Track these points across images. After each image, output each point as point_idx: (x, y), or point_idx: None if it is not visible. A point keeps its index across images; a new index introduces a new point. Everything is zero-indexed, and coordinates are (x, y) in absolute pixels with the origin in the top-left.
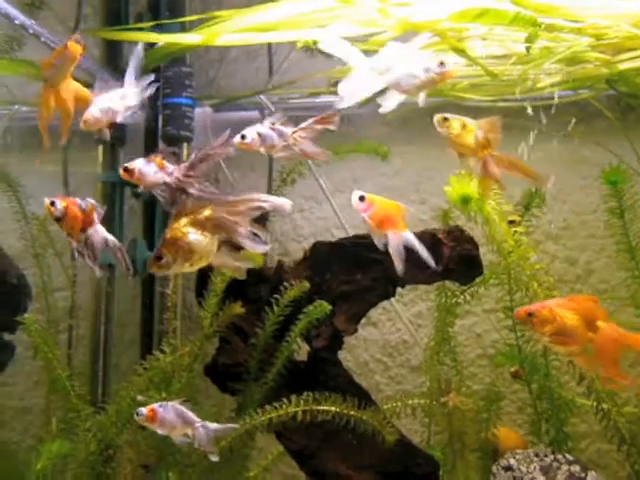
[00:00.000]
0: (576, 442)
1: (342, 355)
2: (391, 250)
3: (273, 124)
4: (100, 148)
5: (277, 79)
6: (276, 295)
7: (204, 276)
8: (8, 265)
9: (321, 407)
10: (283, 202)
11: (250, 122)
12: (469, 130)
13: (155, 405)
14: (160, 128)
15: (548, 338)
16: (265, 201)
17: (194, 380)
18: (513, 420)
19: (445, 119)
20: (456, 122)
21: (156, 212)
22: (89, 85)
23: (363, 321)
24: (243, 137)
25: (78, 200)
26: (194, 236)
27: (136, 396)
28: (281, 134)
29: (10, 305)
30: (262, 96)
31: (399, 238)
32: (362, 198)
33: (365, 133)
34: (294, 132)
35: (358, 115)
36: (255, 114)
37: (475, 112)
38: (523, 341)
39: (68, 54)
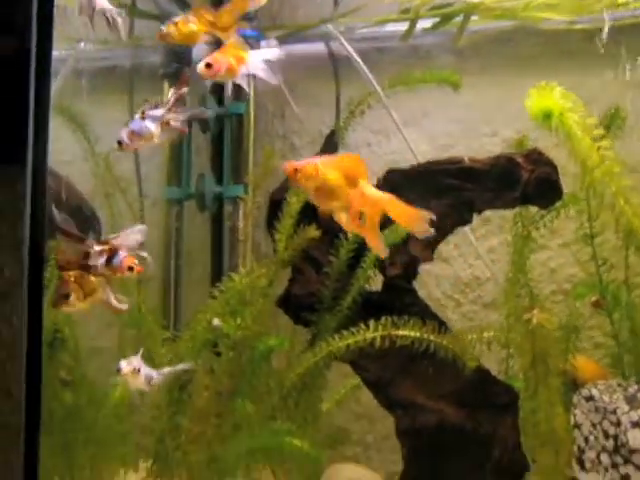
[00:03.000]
0: None
1: None
2: None
3: (144, 113)
4: (165, 86)
5: (343, 8)
6: None
7: (275, 205)
8: (80, 199)
9: (400, 332)
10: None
11: (315, 54)
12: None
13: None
14: None
15: (313, 194)
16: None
17: (269, 307)
18: (589, 356)
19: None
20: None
21: (224, 146)
22: None
23: (434, 256)
24: (120, 143)
25: None
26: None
27: (212, 320)
28: (155, 119)
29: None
30: (329, 25)
31: None
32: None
33: (434, 63)
34: (166, 115)
35: (426, 45)
36: (320, 46)
37: (550, 36)
38: (604, 270)
39: None
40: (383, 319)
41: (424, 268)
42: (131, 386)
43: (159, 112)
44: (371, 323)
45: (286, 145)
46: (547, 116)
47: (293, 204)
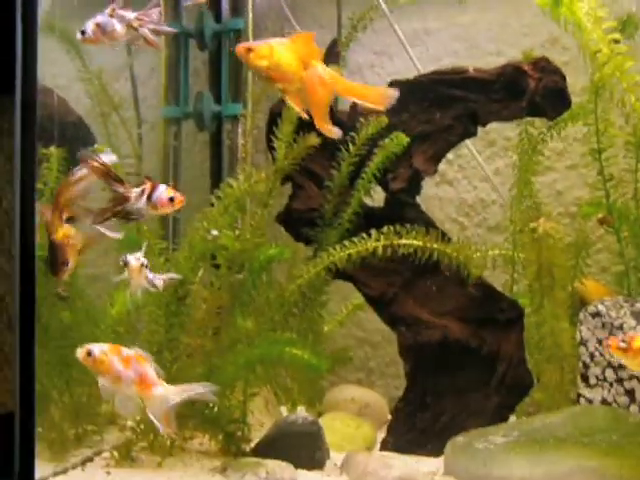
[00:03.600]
0: None
1: None
2: None
3: (113, 10)
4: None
5: None
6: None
7: (275, 116)
8: (75, 116)
9: (403, 241)
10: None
11: None
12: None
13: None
14: None
15: (265, 74)
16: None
17: (269, 218)
18: (596, 280)
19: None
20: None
21: (222, 63)
22: None
23: (438, 179)
24: (83, 33)
25: None
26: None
27: (210, 230)
28: (122, 19)
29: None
30: None
31: None
32: None
33: None
34: (134, 19)
35: None
36: None
37: None
38: (610, 186)
39: None
40: (385, 229)
41: (427, 191)
42: (135, 282)
43: (128, 14)
44: (373, 233)
45: None
46: (556, 3)
47: (292, 110)
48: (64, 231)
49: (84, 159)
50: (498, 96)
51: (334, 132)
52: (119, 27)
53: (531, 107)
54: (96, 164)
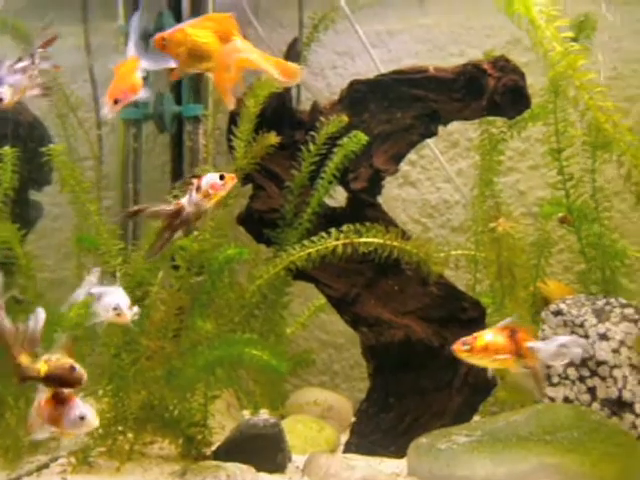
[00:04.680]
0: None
1: None
2: None
3: (11, 66)
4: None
5: None
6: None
7: (235, 115)
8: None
9: (362, 239)
10: None
11: None
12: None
13: None
14: None
15: (186, 59)
16: None
17: (228, 218)
18: (559, 280)
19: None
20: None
21: None
22: None
23: (401, 180)
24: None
25: None
26: None
27: None
28: (24, 70)
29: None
30: None
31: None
32: None
33: None
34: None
35: None
36: None
37: None
38: (571, 185)
39: None
40: (345, 227)
41: (391, 193)
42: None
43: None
44: (332, 232)
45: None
46: None
47: (251, 107)
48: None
49: None
50: (459, 95)
51: (232, 103)
52: (25, 80)
53: (491, 106)
54: None
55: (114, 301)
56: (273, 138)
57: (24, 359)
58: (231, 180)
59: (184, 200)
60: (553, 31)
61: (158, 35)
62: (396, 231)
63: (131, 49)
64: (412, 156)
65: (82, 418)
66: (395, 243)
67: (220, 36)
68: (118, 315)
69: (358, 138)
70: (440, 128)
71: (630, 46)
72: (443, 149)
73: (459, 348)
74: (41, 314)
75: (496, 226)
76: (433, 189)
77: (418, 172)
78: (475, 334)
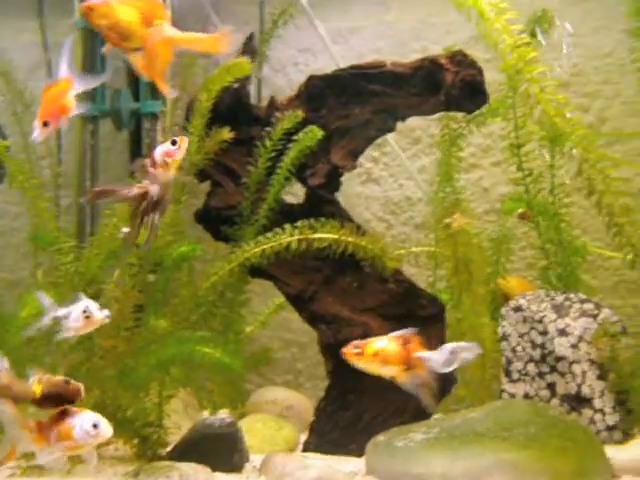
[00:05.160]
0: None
1: None
2: None
3: None
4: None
5: None
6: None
7: (190, 110)
8: None
9: (317, 235)
10: None
11: None
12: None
13: None
14: None
15: (104, 32)
16: None
17: (181, 214)
18: (522, 276)
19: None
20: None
21: None
22: None
23: (364, 177)
24: None
25: None
26: None
27: (120, 227)
28: None
29: None
30: None
31: None
32: None
33: None
34: None
35: None
36: None
37: None
38: (530, 180)
39: None
40: (299, 223)
41: (354, 190)
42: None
43: None
44: (287, 227)
45: (211, 63)
46: None
47: (204, 102)
48: None
49: None
50: (416, 90)
51: (171, 92)
52: None
53: (449, 101)
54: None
55: (82, 305)
56: (226, 133)
57: (15, 382)
58: (183, 142)
59: (146, 181)
60: (503, 24)
61: (85, 4)
62: (351, 227)
63: (63, 70)
64: (375, 153)
65: (95, 426)
66: (350, 239)
67: (145, 16)
68: (88, 318)
69: (313, 133)
70: (402, 124)
71: (591, 43)
72: (405, 146)
73: (349, 351)
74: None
75: (451, 222)
76: (396, 186)
77: (381, 169)
78: (368, 339)
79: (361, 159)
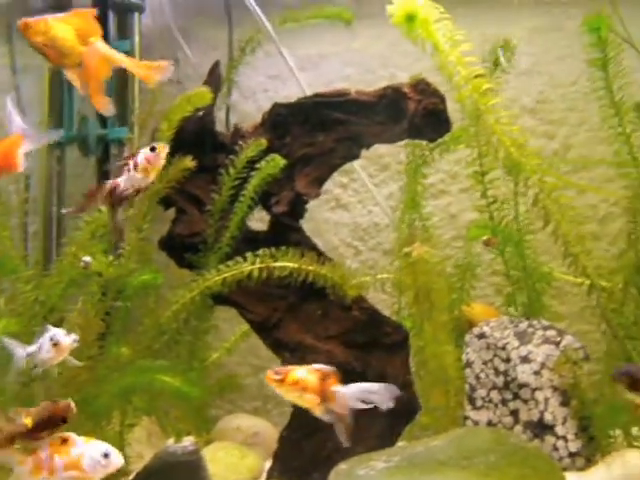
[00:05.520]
0: (556, 322)
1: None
2: None
3: None
4: None
5: None
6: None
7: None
8: None
9: (278, 264)
10: None
11: None
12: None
13: None
14: None
15: (41, 49)
16: None
17: (145, 243)
18: (490, 303)
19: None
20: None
21: (109, 86)
22: None
23: (332, 204)
24: None
25: None
26: None
27: (80, 255)
28: None
29: None
30: None
31: None
32: None
33: (330, 4)
34: None
35: None
36: None
37: None
38: (495, 208)
39: None
40: (262, 250)
41: (322, 215)
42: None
43: None
44: (249, 256)
45: (180, 91)
46: (410, 19)
47: (164, 131)
48: None
49: None
50: (380, 118)
51: (109, 108)
52: None
53: (412, 129)
54: None
55: (49, 335)
56: (189, 162)
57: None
58: (163, 149)
59: (120, 178)
60: (457, 55)
61: (22, 21)
62: (312, 255)
63: (15, 125)
64: (343, 179)
65: (106, 456)
66: (310, 267)
67: (80, 33)
68: (56, 346)
69: (275, 162)
70: (371, 151)
71: (556, 71)
72: (374, 172)
73: (271, 376)
74: None
75: (411, 251)
76: (364, 212)
77: (349, 195)
78: (290, 367)
79: (330, 185)
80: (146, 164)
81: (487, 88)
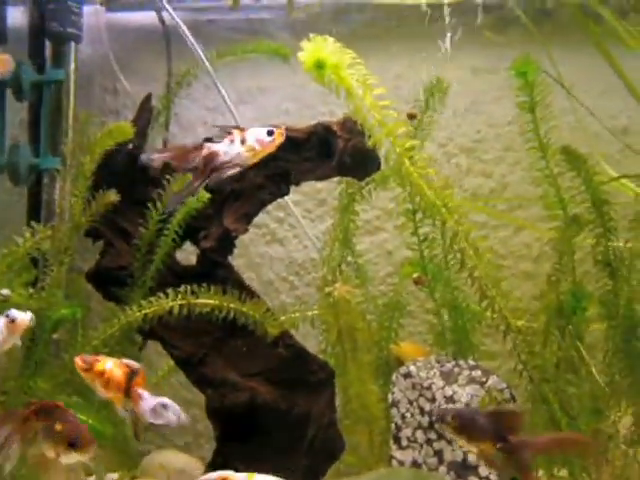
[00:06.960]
0: (489, 361)
1: (246, 274)
2: None
3: None
4: None
5: None
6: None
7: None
8: None
9: (199, 300)
10: None
11: (146, 24)
12: None
13: None
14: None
15: None
16: None
17: (66, 275)
18: (424, 341)
19: None
20: None
21: (42, 115)
22: None
23: (268, 238)
24: None
25: None
26: None
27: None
28: None
29: None
30: None
31: None
32: None
33: (270, 39)
34: None
35: (263, 19)
36: (152, 15)
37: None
38: (425, 246)
39: None
40: (183, 287)
41: (258, 250)
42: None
43: None
44: (170, 292)
45: (119, 120)
46: (320, 66)
47: (87, 164)
48: None
49: None
50: (310, 155)
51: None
52: None
53: (341, 167)
54: None
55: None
56: (112, 195)
57: None
58: (280, 136)
59: (220, 147)
60: (371, 102)
61: None
62: (234, 292)
63: None
64: (280, 213)
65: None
66: (232, 304)
67: None
68: (13, 322)
69: (200, 196)
70: (309, 186)
71: (493, 111)
72: (311, 207)
73: (79, 363)
74: None
75: (332, 291)
76: (300, 247)
77: (285, 230)
78: (101, 357)
79: (266, 219)
80: (255, 145)
81: (402, 131)
